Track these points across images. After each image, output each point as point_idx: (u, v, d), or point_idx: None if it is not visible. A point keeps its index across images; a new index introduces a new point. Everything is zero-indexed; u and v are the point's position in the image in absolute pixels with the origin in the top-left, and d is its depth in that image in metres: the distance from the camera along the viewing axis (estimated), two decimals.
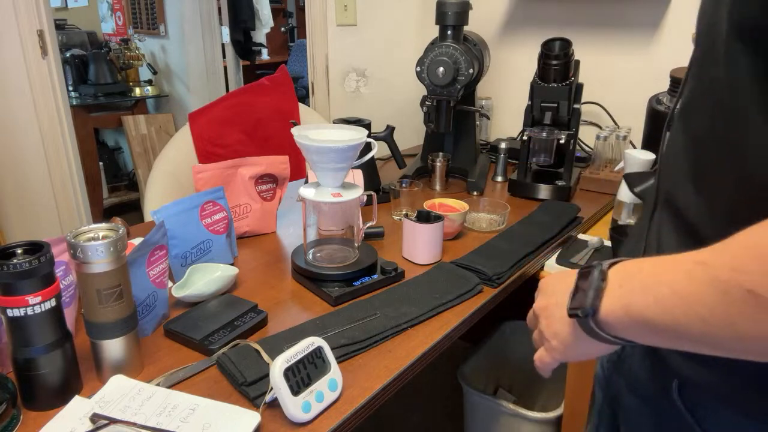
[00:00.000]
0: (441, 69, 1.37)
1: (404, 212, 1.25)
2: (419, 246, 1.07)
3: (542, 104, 1.41)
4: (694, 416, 0.53)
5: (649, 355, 0.59)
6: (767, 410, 0.48)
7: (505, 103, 2.03)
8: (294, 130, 0.92)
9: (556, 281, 0.57)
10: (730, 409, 0.51)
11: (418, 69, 1.41)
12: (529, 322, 0.62)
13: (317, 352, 0.70)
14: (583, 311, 0.47)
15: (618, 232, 1.06)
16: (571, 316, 0.50)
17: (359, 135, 0.93)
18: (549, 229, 1.20)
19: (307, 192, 0.96)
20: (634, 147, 1.68)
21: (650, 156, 1.24)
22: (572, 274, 0.53)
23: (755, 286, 0.36)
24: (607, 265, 0.49)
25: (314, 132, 0.94)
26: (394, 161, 1.45)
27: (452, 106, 1.45)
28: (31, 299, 0.62)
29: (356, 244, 1.02)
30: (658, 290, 0.43)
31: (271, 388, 0.65)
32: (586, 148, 1.81)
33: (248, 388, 0.70)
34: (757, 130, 0.44)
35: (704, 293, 0.39)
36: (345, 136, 0.94)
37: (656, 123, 1.40)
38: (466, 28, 1.45)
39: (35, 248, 0.64)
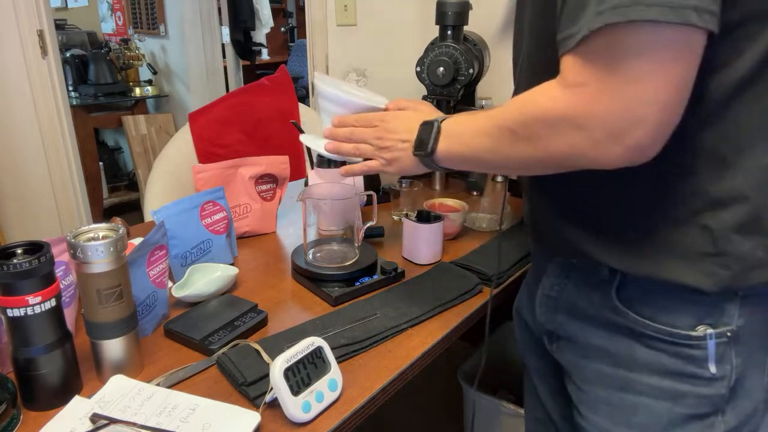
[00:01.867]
0: (441, 69, 1.37)
1: (404, 212, 1.25)
2: (419, 246, 1.06)
3: None
4: (634, 310, 0.65)
5: (587, 282, 0.71)
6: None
7: None
8: (317, 80, 0.90)
9: (400, 121, 0.77)
10: (656, 291, 0.63)
11: (418, 69, 1.41)
12: (342, 132, 0.82)
13: (317, 352, 0.70)
14: (426, 153, 0.71)
15: None
16: (416, 155, 0.73)
17: (381, 100, 0.91)
18: None
19: (307, 139, 0.94)
20: None
21: None
22: (414, 120, 0.74)
23: (512, 125, 0.60)
24: (442, 119, 0.71)
25: (333, 88, 0.90)
26: None
27: (452, 106, 1.45)
28: (31, 299, 0.62)
29: (356, 244, 1.02)
30: (466, 134, 0.68)
31: (271, 388, 0.65)
32: None
33: (248, 388, 0.70)
34: None
35: (492, 133, 0.63)
36: (369, 96, 0.92)
37: None
38: (466, 28, 1.45)
39: (35, 248, 0.64)
